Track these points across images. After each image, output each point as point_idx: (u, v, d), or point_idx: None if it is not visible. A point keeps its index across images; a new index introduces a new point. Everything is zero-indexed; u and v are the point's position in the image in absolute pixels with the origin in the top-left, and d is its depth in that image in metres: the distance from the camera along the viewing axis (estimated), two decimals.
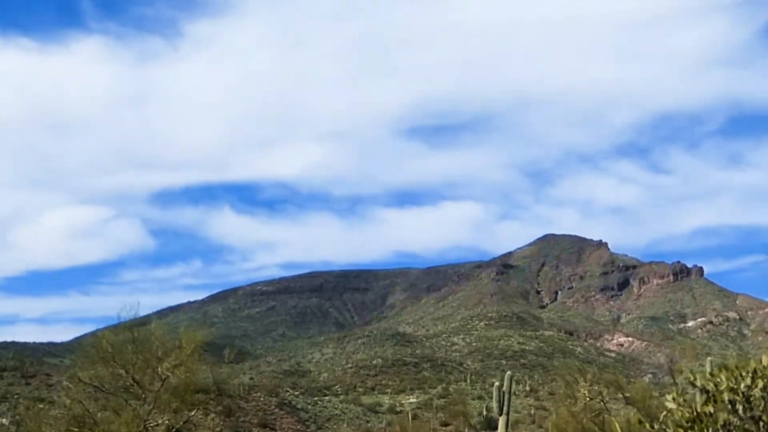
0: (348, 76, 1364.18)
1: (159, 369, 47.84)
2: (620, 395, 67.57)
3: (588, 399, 63.90)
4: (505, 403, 71.03)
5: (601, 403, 62.43)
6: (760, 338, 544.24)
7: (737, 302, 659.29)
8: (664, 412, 48.42)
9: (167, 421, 47.92)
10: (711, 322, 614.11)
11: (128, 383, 47.37)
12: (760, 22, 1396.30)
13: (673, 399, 12.18)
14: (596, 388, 64.38)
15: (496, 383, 76.63)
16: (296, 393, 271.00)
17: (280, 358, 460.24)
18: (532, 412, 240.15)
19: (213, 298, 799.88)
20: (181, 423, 49.73)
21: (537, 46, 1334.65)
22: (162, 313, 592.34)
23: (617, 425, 62.33)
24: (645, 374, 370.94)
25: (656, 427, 12.04)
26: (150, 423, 46.43)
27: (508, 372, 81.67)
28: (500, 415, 70.87)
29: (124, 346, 47.90)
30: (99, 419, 44.89)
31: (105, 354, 47.03)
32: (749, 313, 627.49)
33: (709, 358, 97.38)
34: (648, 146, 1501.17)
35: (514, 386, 78.98)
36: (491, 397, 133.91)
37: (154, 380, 48.09)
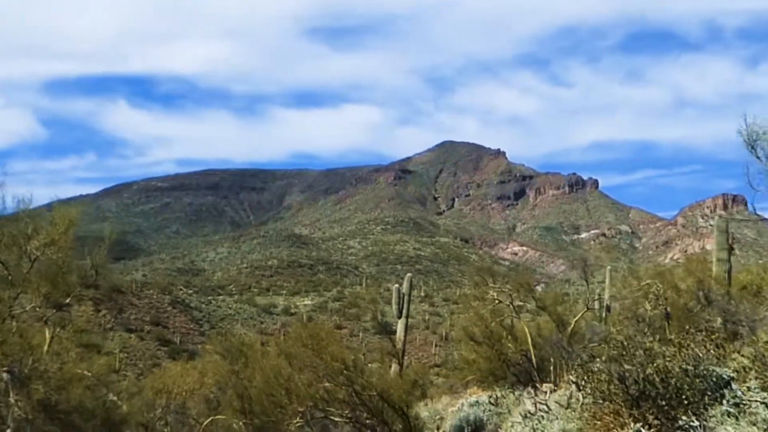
0: None
1: (27, 248, 42.57)
2: (529, 299, 64.76)
3: (497, 302, 60.91)
4: (405, 305, 67.88)
5: (510, 306, 59.46)
6: (650, 252, 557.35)
7: (630, 216, 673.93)
8: (574, 319, 44.27)
9: (37, 309, 42.88)
10: (604, 235, 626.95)
11: None
12: None
13: None
14: (505, 290, 61.32)
15: (396, 285, 73.64)
16: (190, 292, 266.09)
17: (173, 255, 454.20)
18: (427, 317, 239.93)
19: (106, 192, 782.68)
20: (53, 312, 44.60)
21: None
22: (52, 207, 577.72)
23: (527, 329, 59.90)
24: (538, 284, 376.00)
25: None
26: (15, 309, 41.33)
27: (409, 274, 78.51)
28: (399, 317, 67.70)
29: None
30: None
31: None
32: (641, 226, 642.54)
33: (608, 267, 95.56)
34: (548, 58, 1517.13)
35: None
36: (386, 302, 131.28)
37: (22, 260, 42.87)
